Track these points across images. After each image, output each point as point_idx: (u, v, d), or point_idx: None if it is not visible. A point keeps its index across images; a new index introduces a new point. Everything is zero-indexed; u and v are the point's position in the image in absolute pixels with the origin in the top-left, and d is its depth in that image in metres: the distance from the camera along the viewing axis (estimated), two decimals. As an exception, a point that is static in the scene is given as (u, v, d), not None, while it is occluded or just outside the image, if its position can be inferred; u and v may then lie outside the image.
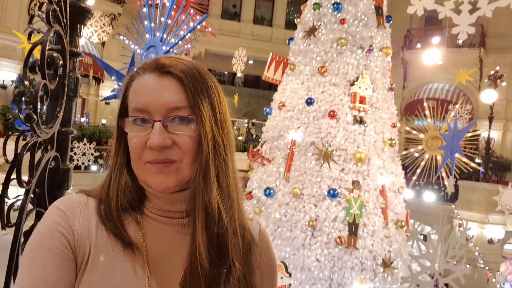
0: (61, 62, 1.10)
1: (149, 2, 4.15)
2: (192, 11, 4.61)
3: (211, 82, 0.84)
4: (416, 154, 7.92)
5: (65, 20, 1.12)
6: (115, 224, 0.80)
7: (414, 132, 8.07)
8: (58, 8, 1.06)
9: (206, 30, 8.38)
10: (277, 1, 21.10)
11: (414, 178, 8.44)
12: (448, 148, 5.42)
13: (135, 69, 0.84)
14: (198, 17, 4.53)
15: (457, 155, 5.70)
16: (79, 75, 1.27)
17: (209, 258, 0.79)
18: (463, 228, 3.45)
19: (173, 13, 4.14)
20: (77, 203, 0.82)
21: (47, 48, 0.98)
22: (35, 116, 0.97)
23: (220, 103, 0.85)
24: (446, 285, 3.33)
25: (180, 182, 0.80)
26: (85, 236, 0.78)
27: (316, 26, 5.23)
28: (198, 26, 3.74)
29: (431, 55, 9.48)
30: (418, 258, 3.47)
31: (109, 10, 14.58)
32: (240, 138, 23.29)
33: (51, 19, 1.01)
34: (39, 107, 0.95)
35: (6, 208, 1.21)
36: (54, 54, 1.06)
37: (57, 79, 1.13)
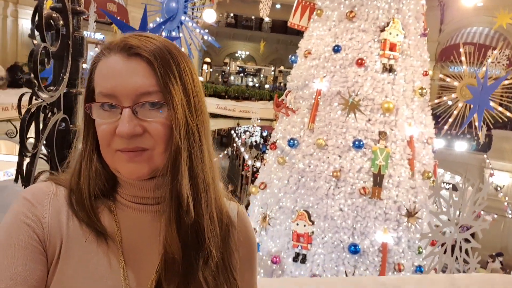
0: (61, 22, 1.05)
1: None
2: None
3: (183, 64, 0.77)
4: (450, 103, 7.61)
5: (63, -23, 1.05)
6: (87, 214, 0.77)
7: (448, 79, 7.72)
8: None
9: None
10: None
11: (446, 127, 8.19)
12: (475, 102, 5.12)
13: (100, 49, 0.77)
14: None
15: (491, 104, 5.44)
16: (84, 35, 1.22)
17: (184, 247, 0.77)
18: (485, 183, 3.34)
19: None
20: (46, 194, 0.78)
21: (46, 8, 0.93)
22: (35, 81, 0.94)
23: (194, 86, 0.79)
24: (468, 240, 3.30)
25: (153, 170, 0.76)
26: (56, 228, 0.75)
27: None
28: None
29: (471, -5, 8.80)
30: (438, 214, 3.42)
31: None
32: (266, 86, 22.99)
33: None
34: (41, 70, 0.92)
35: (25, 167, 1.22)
36: (54, 15, 1.01)
37: (60, 39, 1.08)
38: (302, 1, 5.42)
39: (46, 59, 0.99)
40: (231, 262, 0.84)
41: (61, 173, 0.86)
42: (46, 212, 0.75)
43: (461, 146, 12.21)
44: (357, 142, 4.93)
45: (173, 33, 3.84)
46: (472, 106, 5.44)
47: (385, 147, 4.98)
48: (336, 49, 4.90)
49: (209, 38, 4.31)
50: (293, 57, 5.69)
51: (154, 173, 0.77)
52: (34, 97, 1.15)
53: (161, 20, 4.01)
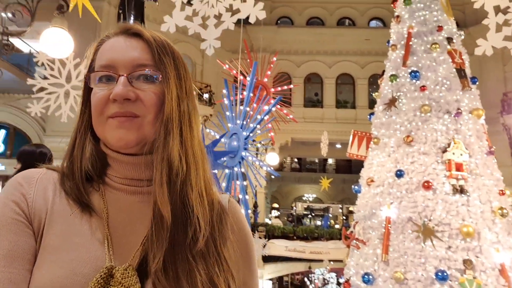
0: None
1: (230, 97, 4.48)
2: (271, 100, 4.86)
3: (178, 54, 0.85)
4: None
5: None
6: (76, 187, 0.78)
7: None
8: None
9: (288, 117, 8.71)
10: (358, 83, 21.47)
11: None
12: None
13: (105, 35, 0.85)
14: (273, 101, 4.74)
15: None
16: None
17: (172, 217, 0.73)
18: None
19: (254, 105, 4.39)
20: (35, 174, 0.82)
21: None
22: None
23: (186, 74, 0.84)
24: None
25: (141, 139, 0.77)
26: (40, 203, 0.77)
27: (396, 97, 5.13)
28: (274, 108, 3.88)
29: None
30: None
31: (203, 113, 16.03)
32: (337, 226, 22.37)
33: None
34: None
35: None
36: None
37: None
38: (357, 132, 5.61)
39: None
40: (224, 248, 0.80)
41: None
42: (31, 189, 0.78)
43: None
44: (440, 274, 4.43)
45: (235, 169, 4.06)
46: None
47: (474, 278, 4.40)
48: (399, 174, 4.82)
49: (268, 169, 4.50)
50: (356, 187, 5.65)
51: (142, 146, 0.78)
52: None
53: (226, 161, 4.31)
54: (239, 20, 3.21)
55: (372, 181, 5.23)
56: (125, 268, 0.70)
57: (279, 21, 23.04)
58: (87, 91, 0.83)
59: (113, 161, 0.82)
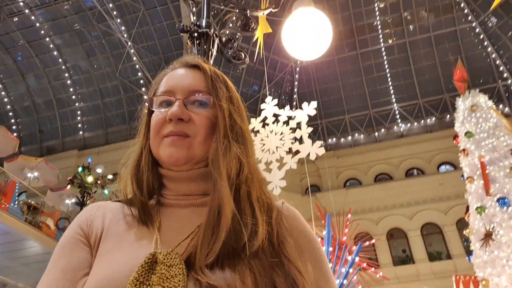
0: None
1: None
2: (347, 247, 4.60)
3: (231, 86, 0.96)
4: None
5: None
6: (137, 205, 0.87)
7: None
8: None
9: (377, 275, 7.99)
10: (446, 230, 19.94)
11: None
12: None
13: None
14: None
15: None
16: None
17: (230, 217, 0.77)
18: None
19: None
20: (100, 203, 0.94)
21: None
22: None
23: (238, 102, 0.94)
24: None
25: (190, 158, 0.85)
26: (99, 222, 0.88)
27: (490, 230, 4.66)
28: (357, 259, 3.63)
29: None
30: None
31: None
32: None
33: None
34: None
35: None
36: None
37: None
38: (460, 277, 4.94)
39: None
40: (284, 249, 0.79)
41: None
42: (94, 212, 0.91)
43: None
44: None
45: None
46: None
47: None
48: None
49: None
50: None
51: (193, 165, 0.86)
52: None
53: None
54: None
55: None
56: (169, 252, 0.75)
57: (347, 184, 23.41)
58: (148, 120, 0.95)
59: (167, 180, 0.91)
